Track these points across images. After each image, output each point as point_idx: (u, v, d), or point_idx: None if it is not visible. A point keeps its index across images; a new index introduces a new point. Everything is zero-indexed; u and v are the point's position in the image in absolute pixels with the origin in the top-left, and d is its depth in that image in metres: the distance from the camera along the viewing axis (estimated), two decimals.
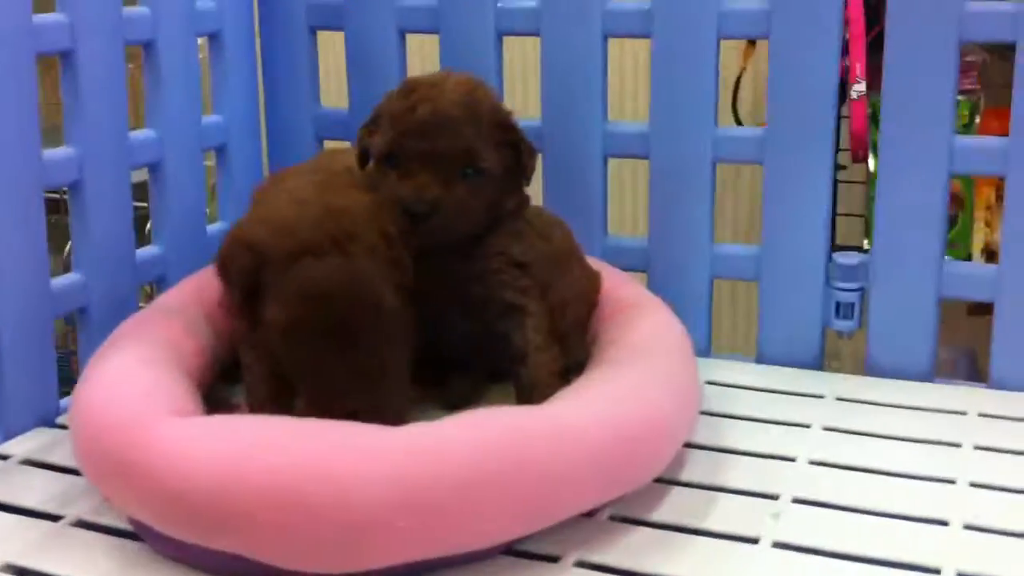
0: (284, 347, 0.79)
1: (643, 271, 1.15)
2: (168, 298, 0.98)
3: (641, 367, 0.84)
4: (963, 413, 0.98)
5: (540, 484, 0.68)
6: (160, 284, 1.14)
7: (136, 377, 0.78)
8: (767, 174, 1.07)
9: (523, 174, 0.90)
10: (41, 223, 0.97)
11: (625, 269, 1.16)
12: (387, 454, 0.66)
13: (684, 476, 0.86)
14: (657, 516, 0.80)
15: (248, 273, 0.79)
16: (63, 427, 0.99)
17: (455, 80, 0.88)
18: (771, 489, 0.84)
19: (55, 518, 0.82)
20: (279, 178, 0.96)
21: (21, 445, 0.94)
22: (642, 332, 0.92)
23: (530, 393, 0.86)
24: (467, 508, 0.65)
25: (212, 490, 0.66)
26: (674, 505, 0.82)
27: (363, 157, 0.90)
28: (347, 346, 0.78)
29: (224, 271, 0.83)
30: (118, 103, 1.04)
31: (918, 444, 0.92)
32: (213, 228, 1.20)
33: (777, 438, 0.93)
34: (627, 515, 0.80)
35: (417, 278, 0.88)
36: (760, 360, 1.11)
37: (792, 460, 0.89)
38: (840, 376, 1.08)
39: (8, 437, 0.96)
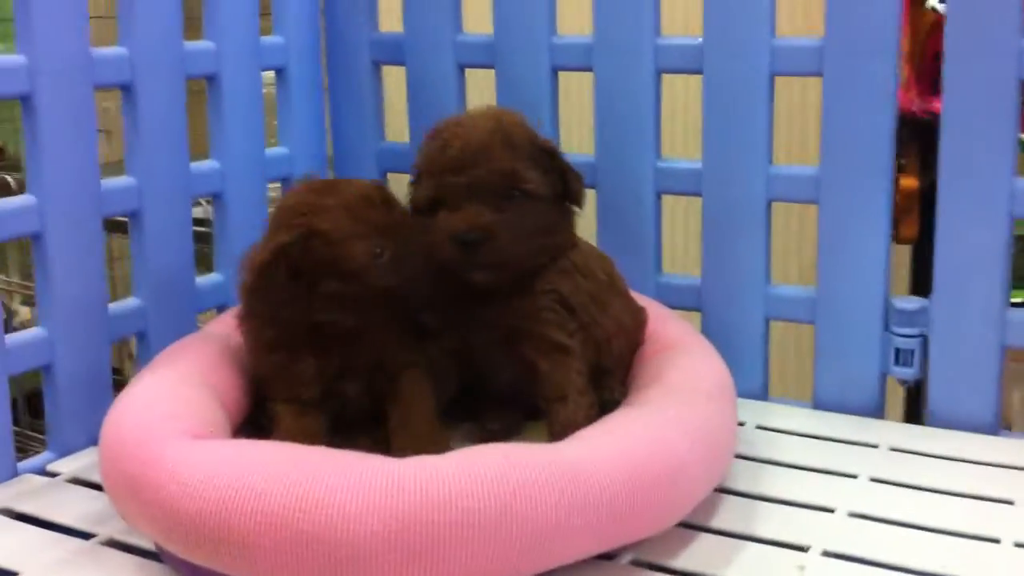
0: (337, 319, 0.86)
1: (696, 310, 1.12)
2: (215, 325, 1.00)
3: (668, 409, 0.82)
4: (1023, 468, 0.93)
5: (537, 525, 0.67)
6: (221, 311, 1.16)
7: (160, 399, 0.80)
8: (822, 213, 1.04)
9: (572, 198, 0.90)
10: (100, 249, 1.01)
11: (678, 308, 1.15)
12: (382, 489, 0.65)
13: (714, 522, 0.83)
14: (679, 563, 0.78)
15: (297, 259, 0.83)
16: None
17: (480, 113, 0.88)
18: (802, 540, 0.81)
19: (87, 536, 0.84)
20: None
21: (71, 463, 0.97)
22: (679, 372, 0.90)
23: (563, 433, 0.85)
24: (459, 547, 0.64)
25: (209, 512, 0.67)
26: (698, 552, 0.79)
27: (416, 210, 0.90)
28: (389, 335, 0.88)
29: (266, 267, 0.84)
30: (178, 135, 1.07)
31: (968, 500, 0.87)
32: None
33: (818, 487, 0.89)
34: (649, 560, 0.78)
35: (465, 312, 0.88)
36: (817, 405, 1.07)
37: (831, 511, 0.86)
38: (898, 426, 1.04)
39: (62, 455, 0.99)
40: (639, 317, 1.01)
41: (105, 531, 0.84)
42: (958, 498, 0.87)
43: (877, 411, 1.05)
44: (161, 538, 0.71)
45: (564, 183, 0.89)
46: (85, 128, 0.98)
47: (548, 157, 0.88)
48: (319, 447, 0.73)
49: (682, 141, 1.29)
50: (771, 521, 0.84)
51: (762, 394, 1.10)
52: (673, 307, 1.14)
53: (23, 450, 1.15)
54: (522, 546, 0.66)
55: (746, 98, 1.05)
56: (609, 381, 0.95)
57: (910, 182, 1.34)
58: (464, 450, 0.71)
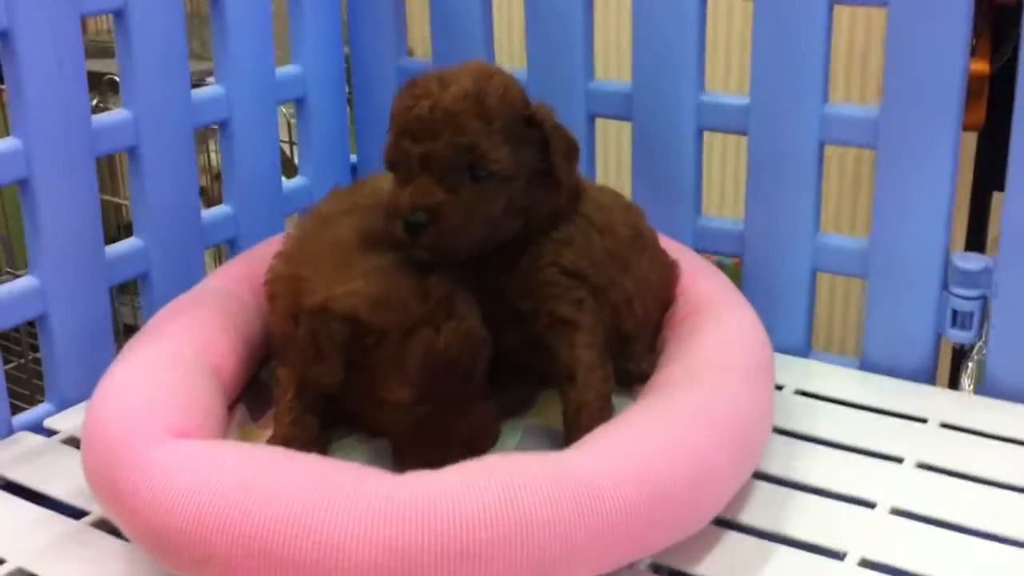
0: (406, 418, 0.75)
1: (737, 257, 1.04)
2: (216, 278, 0.94)
3: (694, 398, 0.74)
4: None
5: (548, 555, 0.61)
6: (231, 246, 1.10)
7: (146, 384, 0.74)
8: (880, 159, 0.94)
9: (554, 178, 0.78)
10: (93, 188, 0.94)
11: (717, 254, 1.06)
12: (379, 514, 0.59)
13: (744, 516, 0.77)
14: (703, 568, 0.72)
15: (347, 348, 0.73)
16: None
17: (466, 71, 0.76)
18: (838, 544, 0.74)
19: (78, 514, 0.80)
20: (324, 218, 0.85)
21: (70, 419, 0.93)
22: (710, 346, 0.83)
23: (576, 416, 0.78)
24: None
25: (191, 531, 0.62)
26: (724, 556, 0.73)
27: (385, 162, 0.80)
28: (471, 400, 0.76)
29: (313, 342, 0.74)
30: (177, 59, 0.99)
31: None
32: (289, 185, 1.16)
33: (860, 475, 0.82)
34: (670, 564, 0.72)
35: (477, 285, 0.80)
36: (864, 366, 0.99)
37: (871, 506, 0.79)
38: (951, 394, 0.96)
39: (62, 407, 0.95)
40: (670, 273, 0.92)
41: (97, 509, 0.79)
42: (1018, 493, 0.80)
43: (928, 375, 0.97)
44: (142, 545, 0.67)
45: (547, 158, 0.78)
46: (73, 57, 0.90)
47: (532, 127, 0.77)
48: (314, 456, 0.67)
49: (724, 73, 1.18)
50: (804, 518, 0.77)
51: (804, 350, 1.02)
52: (712, 253, 1.06)
53: None
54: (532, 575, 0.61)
55: (801, 28, 0.94)
56: (634, 349, 0.88)
57: (980, 66, 1.24)
58: (469, 467, 0.64)
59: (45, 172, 0.89)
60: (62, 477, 0.84)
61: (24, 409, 0.96)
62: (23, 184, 0.89)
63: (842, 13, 0.94)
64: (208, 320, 0.84)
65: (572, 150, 0.79)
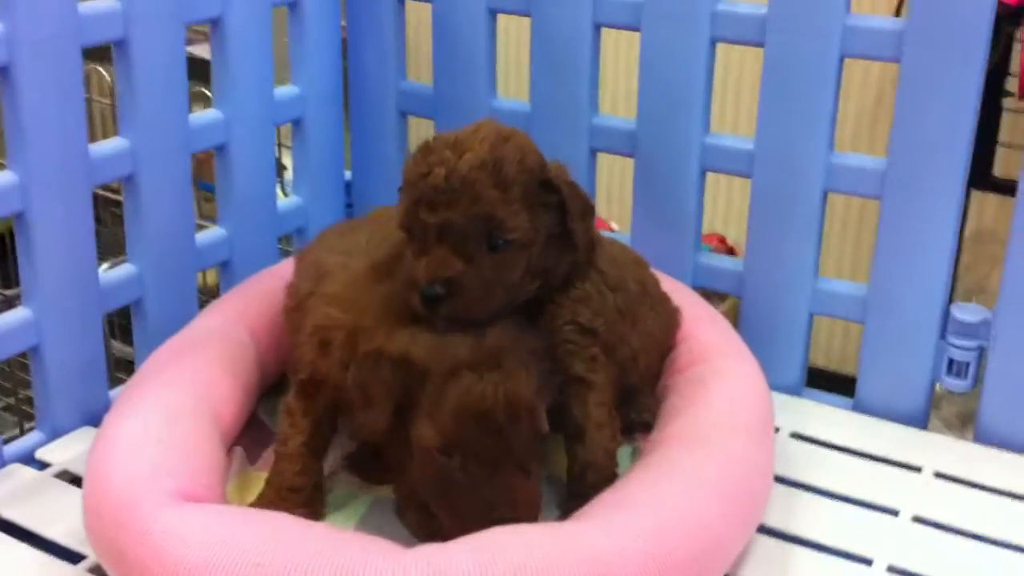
0: (432, 468, 0.72)
1: (736, 296, 1.04)
2: (211, 318, 0.92)
3: (702, 468, 0.74)
4: None
5: None
6: (224, 268, 1.09)
7: (150, 443, 0.73)
8: (885, 209, 0.94)
9: (572, 243, 0.77)
10: (89, 220, 0.92)
11: (716, 292, 1.07)
12: None
13: (745, 574, 0.77)
14: None
15: (397, 390, 0.72)
16: None
17: (481, 135, 0.75)
18: None
19: (76, 558, 0.79)
20: (375, 267, 0.83)
21: (64, 450, 0.92)
22: (715, 402, 0.83)
23: (582, 474, 0.79)
24: None
25: None
26: None
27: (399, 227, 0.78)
28: (503, 463, 0.71)
29: (362, 386, 0.73)
30: (178, 86, 0.97)
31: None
32: (284, 205, 1.15)
33: (858, 529, 0.83)
34: None
35: None
36: (858, 407, 1.00)
37: (868, 563, 0.80)
38: (945, 440, 0.96)
39: (54, 436, 0.94)
40: (672, 321, 0.92)
41: (94, 554, 0.78)
42: (1013, 552, 0.81)
43: (921, 420, 0.98)
44: None
45: (563, 221, 0.77)
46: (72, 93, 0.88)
47: (548, 192, 0.76)
48: (322, 527, 0.66)
49: (733, 117, 1.18)
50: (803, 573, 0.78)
51: (798, 389, 1.03)
52: (711, 291, 1.06)
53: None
54: None
55: (811, 79, 0.94)
56: (638, 399, 0.88)
57: None
58: (479, 544, 0.64)
59: (42, 205, 0.88)
60: (58, 516, 0.83)
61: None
62: (19, 217, 0.88)
63: (853, 66, 0.93)
64: (207, 365, 0.83)
65: (588, 210, 0.78)
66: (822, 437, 0.95)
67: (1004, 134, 1.41)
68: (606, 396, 0.80)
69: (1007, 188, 1.19)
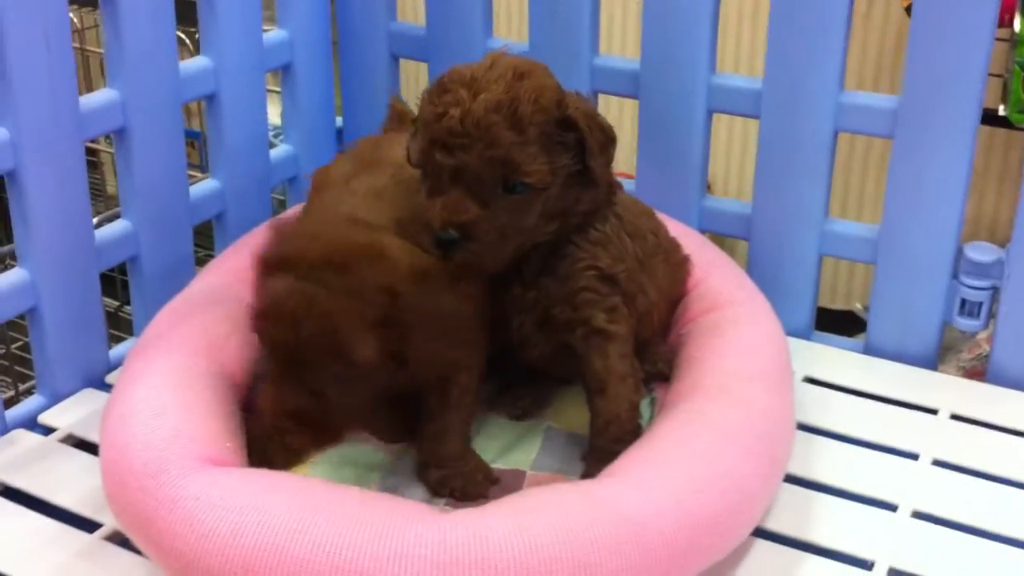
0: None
1: (744, 239, 1.03)
2: (212, 277, 0.90)
3: (727, 419, 0.73)
4: None
5: None
6: (219, 220, 1.06)
7: (168, 408, 0.70)
8: (896, 149, 0.93)
9: (591, 179, 0.74)
10: (82, 176, 0.89)
11: (723, 235, 1.05)
12: (431, 564, 0.58)
13: (771, 523, 0.77)
14: None
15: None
16: (111, 388, 0.94)
17: (498, 72, 0.72)
18: (865, 552, 0.75)
19: (91, 527, 0.77)
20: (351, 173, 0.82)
21: (67, 414, 0.90)
22: (734, 351, 0.81)
23: (606, 427, 0.77)
24: None
25: (237, 574, 0.60)
26: (754, 568, 0.73)
27: (410, 161, 0.76)
28: (291, 371, 0.69)
29: None
30: (166, 35, 0.93)
31: None
32: (275, 154, 1.12)
33: (878, 473, 0.83)
34: None
35: (501, 286, 0.78)
36: (868, 349, 1.00)
37: (893, 509, 0.79)
38: (956, 382, 0.96)
39: (55, 400, 0.91)
40: (682, 270, 0.90)
41: (110, 521, 0.76)
42: None
43: (931, 361, 0.98)
44: None
45: (584, 158, 0.74)
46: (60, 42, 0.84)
47: (567, 129, 0.73)
48: (355, 490, 0.65)
49: (735, 53, 1.15)
50: (830, 524, 0.77)
51: (807, 333, 1.02)
52: (717, 234, 1.04)
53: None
54: None
55: (820, 13, 0.91)
56: (651, 351, 0.86)
57: None
58: (516, 507, 0.63)
59: (34, 161, 0.84)
60: (68, 483, 0.81)
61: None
62: (11, 176, 0.84)
63: (862, 2, 0.91)
64: (215, 324, 0.81)
65: (608, 142, 0.75)
66: (836, 381, 0.94)
67: None
68: (627, 347, 0.79)
69: (989, 119, 1.18)
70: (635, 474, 0.67)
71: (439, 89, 0.72)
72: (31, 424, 0.89)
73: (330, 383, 0.69)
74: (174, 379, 0.73)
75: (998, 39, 1.48)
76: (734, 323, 0.86)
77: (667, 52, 0.98)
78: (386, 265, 0.69)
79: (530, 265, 0.77)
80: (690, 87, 0.98)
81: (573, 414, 0.86)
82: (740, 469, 0.70)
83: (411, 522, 0.60)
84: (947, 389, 0.94)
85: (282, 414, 0.69)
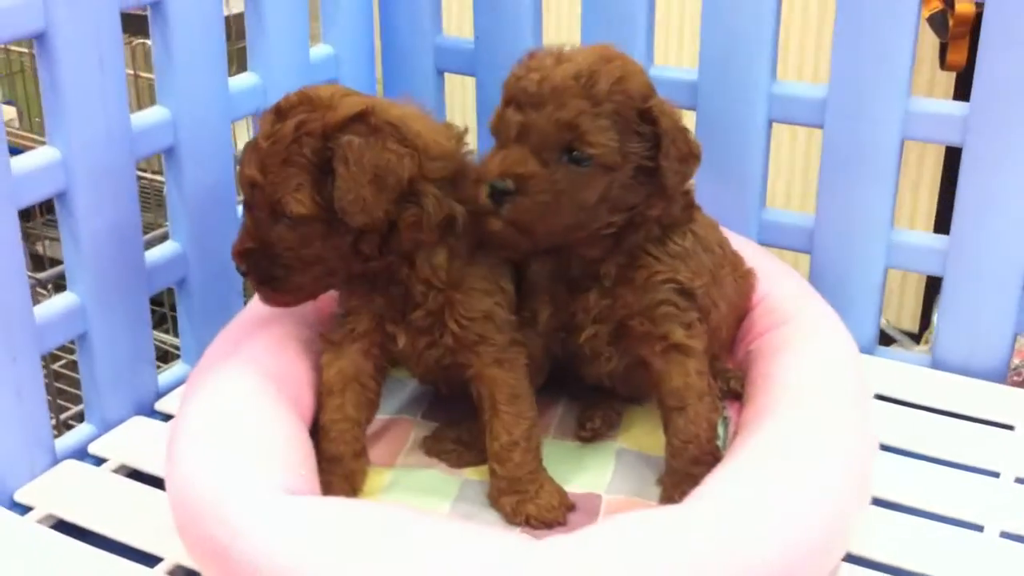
0: None
1: (805, 252, 1.00)
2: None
3: (816, 441, 0.70)
4: None
5: None
6: None
7: (238, 434, 0.68)
8: (967, 157, 0.90)
9: (661, 178, 0.72)
10: (134, 198, 0.87)
11: (783, 248, 1.02)
12: None
13: (858, 548, 0.74)
14: None
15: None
16: (162, 415, 0.92)
17: (588, 51, 0.72)
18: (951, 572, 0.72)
19: (151, 561, 0.74)
20: None
21: (118, 444, 0.87)
22: (809, 369, 0.79)
23: (685, 447, 0.75)
24: None
25: None
26: None
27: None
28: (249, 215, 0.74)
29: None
30: (217, 51, 0.91)
31: None
32: None
33: (960, 493, 0.80)
34: None
35: (571, 295, 0.75)
36: (935, 364, 0.97)
37: (979, 530, 0.77)
38: None
39: (105, 428, 0.89)
40: (747, 285, 0.88)
41: (172, 555, 0.74)
42: None
43: (1002, 375, 0.95)
44: None
45: (655, 155, 0.72)
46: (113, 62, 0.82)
47: (646, 120, 0.71)
48: (433, 516, 0.62)
49: (798, 61, 1.13)
50: (917, 547, 0.74)
51: (871, 347, 0.99)
52: (777, 247, 1.02)
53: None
54: None
55: (885, 17, 0.89)
56: (719, 368, 0.84)
57: (966, 7, 1.24)
58: (615, 530, 0.60)
59: (86, 181, 0.82)
60: (124, 516, 0.78)
61: None
62: (61, 197, 0.82)
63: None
64: (279, 347, 0.78)
65: (689, 158, 0.73)
66: (905, 397, 0.92)
67: None
68: (705, 364, 0.76)
69: None
70: (734, 499, 0.64)
71: (527, 58, 0.73)
72: (81, 454, 0.87)
73: (271, 233, 0.72)
74: (241, 404, 0.71)
75: None
76: (807, 338, 0.83)
77: (726, 60, 0.96)
78: (321, 111, 0.71)
79: (607, 272, 0.75)
80: (751, 96, 0.96)
81: (642, 434, 0.83)
82: (836, 490, 0.67)
83: (507, 557, 0.57)
84: (1021, 403, 0.91)
85: (235, 254, 0.74)
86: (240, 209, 0.98)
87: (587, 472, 0.79)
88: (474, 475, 0.79)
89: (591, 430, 0.83)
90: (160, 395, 0.94)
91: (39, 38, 0.78)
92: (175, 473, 0.68)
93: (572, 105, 0.69)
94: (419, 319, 0.76)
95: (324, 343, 0.79)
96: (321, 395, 0.77)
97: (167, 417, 0.91)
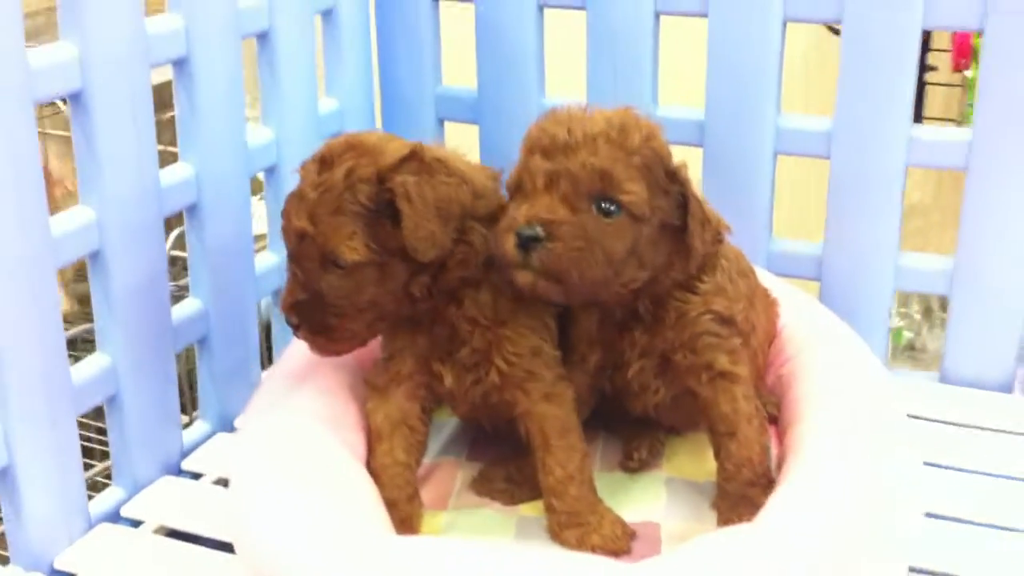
0: None
1: (814, 280, 1.03)
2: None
3: (862, 459, 0.72)
4: None
5: None
6: (277, 296, 1.03)
7: (307, 492, 0.67)
8: (971, 182, 0.94)
9: (688, 237, 0.72)
10: (163, 252, 0.87)
11: (792, 277, 1.05)
12: None
13: (918, 560, 0.75)
14: None
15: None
16: (190, 475, 0.90)
17: (613, 111, 0.73)
18: None
19: None
20: None
21: (148, 506, 0.86)
22: (844, 391, 0.80)
23: (739, 470, 0.76)
24: None
25: None
26: None
27: (509, 192, 0.75)
28: (295, 268, 0.74)
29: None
30: (238, 107, 0.92)
31: None
32: None
33: (1000, 502, 0.82)
34: None
35: (614, 333, 0.77)
36: (944, 379, 1.00)
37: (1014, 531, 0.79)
38: None
39: (136, 489, 0.87)
40: (774, 312, 0.90)
41: None
42: None
43: (1008, 387, 0.98)
44: None
45: (683, 216, 0.73)
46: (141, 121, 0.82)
47: (672, 180, 0.72)
48: (534, 552, 0.62)
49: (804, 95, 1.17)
50: (977, 555, 0.76)
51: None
52: (786, 277, 1.04)
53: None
54: None
55: (888, 53, 0.93)
56: (757, 391, 0.85)
57: None
58: (709, 547, 0.61)
59: (119, 241, 0.82)
60: None
61: None
62: (94, 257, 0.81)
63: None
64: (331, 394, 0.78)
65: (707, 221, 0.74)
66: (919, 413, 0.94)
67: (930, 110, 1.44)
68: (751, 388, 0.78)
69: None
70: (796, 513, 0.66)
71: (547, 115, 0.73)
72: (114, 517, 0.85)
73: (321, 282, 0.72)
74: (306, 459, 0.70)
75: (951, 85, 1.54)
76: (837, 361, 0.85)
77: (733, 99, 0.99)
78: (370, 156, 0.72)
79: (644, 311, 0.76)
80: (757, 130, 0.99)
81: (686, 463, 0.84)
82: (890, 502, 0.69)
83: None
84: None
85: (286, 307, 0.73)
86: (256, 262, 0.98)
87: (640, 502, 0.80)
88: (529, 511, 0.79)
89: (639, 460, 0.83)
90: (185, 454, 0.92)
91: (75, 97, 0.78)
92: (255, 529, 0.66)
93: (605, 152, 0.69)
94: (465, 357, 0.76)
95: (368, 389, 0.79)
96: (370, 440, 0.77)
97: (196, 476, 0.90)
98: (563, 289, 0.71)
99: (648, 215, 0.71)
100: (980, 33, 0.90)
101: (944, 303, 1.40)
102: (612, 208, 0.70)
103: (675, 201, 0.73)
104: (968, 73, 1.64)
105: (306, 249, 0.72)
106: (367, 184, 0.71)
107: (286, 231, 0.73)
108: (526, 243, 0.69)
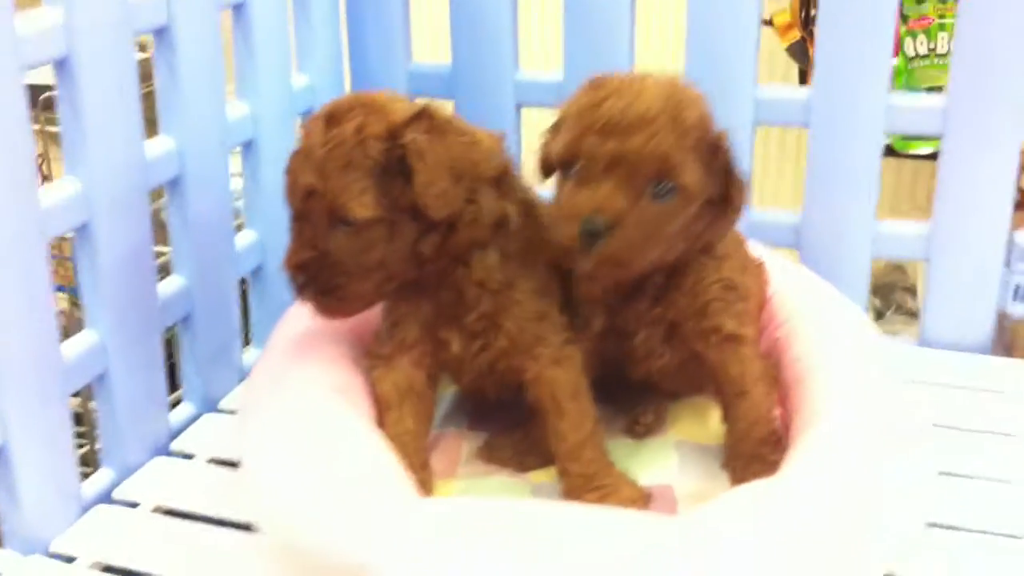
0: None
1: (793, 249, 1.04)
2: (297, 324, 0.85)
3: (869, 417, 0.73)
4: None
5: None
6: (256, 274, 1.01)
7: (336, 464, 0.66)
8: (946, 146, 0.96)
9: (730, 208, 0.73)
10: (148, 226, 0.84)
11: (772, 246, 1.06)
12: None
13: (940, 517, 0.77)
14: None
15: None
16: (181, 455, 0.88)
17: (656, 79, 0.72)
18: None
19: None
20: None
21: (141, 487, 0.83)
22: (843, 354, 0.81)
23: (751, 429, 0.76)
24: None
25: None
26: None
27: (546, 166, 0.75)
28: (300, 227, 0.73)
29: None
30: (217, 80, 0.89)
31: None
32: None
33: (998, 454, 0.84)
34: None
35: (621, 301, 0.76)
36: (924, 343, 1.02)
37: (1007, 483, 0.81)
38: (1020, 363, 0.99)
39: (127, 472, 0.85)
40: (763, 277, 0.91)
41: None
42: None
43: (987, 348, 1.01)
44: None
45: (726, 188, 0.73)
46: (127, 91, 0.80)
47: (718, 154, 0.72)
48: (568, 505, 0.62)
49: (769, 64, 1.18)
50: (994, 510, 0.78)
51: None
52: (764, 245, 1.05)
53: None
54: None
55: (866, 19, 0.94)
56: None
57: None
58: (744, 497, 0.61)
59: (106, 213, 0.79)
60: (174, 556, 0.75)
61: None
62: (82, 230, 0.79)
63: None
64: (332, 364, 0.76)
65: (743, 185, 0.74)
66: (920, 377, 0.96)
67: None
68: (758, 349, 0.78)
69: None
70: (816, 467, 0.66)
71: (596, 84, 0.71)
72: (107, 499, 0.83)
73: (329, 241, 0.71)
74: (332, 429, 0.69)
75: None
76: (831, 322, 0.86)
77: (711, 69, 0.99)
78: (379, 113, 0.71)
79: (654, 281, 0.76)
80: (737, 99, 1.00)
81: (691, 426, 0.85)
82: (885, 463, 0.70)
83: (653, 546, 0.58)
84: (1008, 369, 0.96)
85: (292, 266, 0.71)
86: (236, 239, 0.96)
87: (652, 465, 0.80)
88: (541, 478, 0.78)
89: (644, 425, 0.83)
90: (174, 435, 0.90)
91: (61, 64, 0.75)
92: (284, 507, 0.64)
93: (664, 134, 0.68)
94: (473, 322, 0.75)
95: (373, 359, 0.78)
96: (378, 410, 0.76)
97: (187, 456, 0.88)
98: (623, 272, 0.71)
99: (701, 194, 0.71)
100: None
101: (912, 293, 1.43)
102: (666, 191, 0.69)
103: (717, 172, 0.73)
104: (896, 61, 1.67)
105: (314, 207, 0.71)
106: (378, 140, 0.70)
107: (291, 189, 0.72)
108: (590, 234, 0.68)
